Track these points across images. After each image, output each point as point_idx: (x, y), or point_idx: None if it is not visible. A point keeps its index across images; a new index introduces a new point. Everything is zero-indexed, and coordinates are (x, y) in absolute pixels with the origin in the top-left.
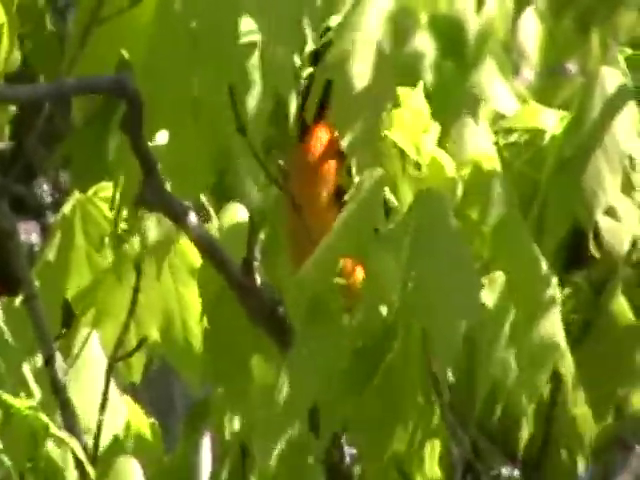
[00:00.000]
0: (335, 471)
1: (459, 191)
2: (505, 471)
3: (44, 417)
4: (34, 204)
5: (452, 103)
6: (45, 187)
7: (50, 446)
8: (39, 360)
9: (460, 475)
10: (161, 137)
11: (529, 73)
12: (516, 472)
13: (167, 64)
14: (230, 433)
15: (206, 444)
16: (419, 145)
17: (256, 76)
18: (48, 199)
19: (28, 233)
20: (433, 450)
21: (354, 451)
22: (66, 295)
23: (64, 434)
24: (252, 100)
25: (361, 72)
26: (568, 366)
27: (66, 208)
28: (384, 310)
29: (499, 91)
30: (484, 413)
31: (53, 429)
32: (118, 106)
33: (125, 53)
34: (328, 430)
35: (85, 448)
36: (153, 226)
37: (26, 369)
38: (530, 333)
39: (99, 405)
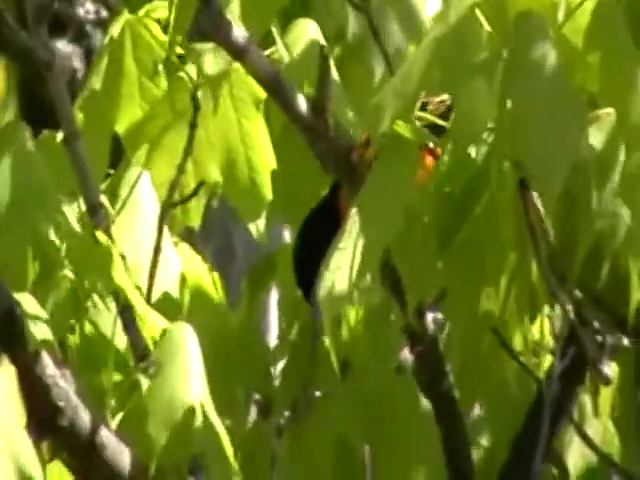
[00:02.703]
0: (417, 337)
1: (561, 15)
2: (612, 339)
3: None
4: (76, 24)
5: None
6: (88, 5)
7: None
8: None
9: (562, 342)
10: None
11: None
12: (625, 341)
13: None
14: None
15: (272, 303)
16: None
17: None
18: (92, 18)
19: (70, 58)
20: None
21: (440, 315)
22: (115, 129)
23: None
24: None
25: None
26: None
27: (114, 30)
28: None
29: None
30: (589, 274)
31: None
32: None
33: None
34: (415, 294)
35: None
36: (210, 55)
37: (70, 215)
38: None
39: (151, 256)
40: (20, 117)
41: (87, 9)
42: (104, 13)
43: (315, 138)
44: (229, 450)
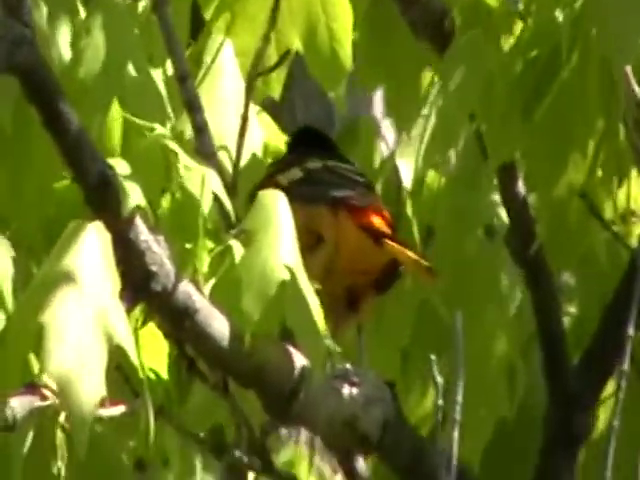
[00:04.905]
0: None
1: None
2: None
3: (174, 146)
4: None
5: None
6: None
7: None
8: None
9: None
10: None
11: None
12: None
13: None
14: None
15: None
16: None
17: None
18: None
19: None
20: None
21: None
22: None
23: (198, 165)
24: None
25: None
26: None
27: None
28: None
29: None
30: None
31: (185, 159)
32: None
33: None
34: (497, 160)
35: (222, 174)
36: None
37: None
38: None
39: (238, 127)
40: None
41: None
42: None
43: (407, 4)
44: (319, 318)
